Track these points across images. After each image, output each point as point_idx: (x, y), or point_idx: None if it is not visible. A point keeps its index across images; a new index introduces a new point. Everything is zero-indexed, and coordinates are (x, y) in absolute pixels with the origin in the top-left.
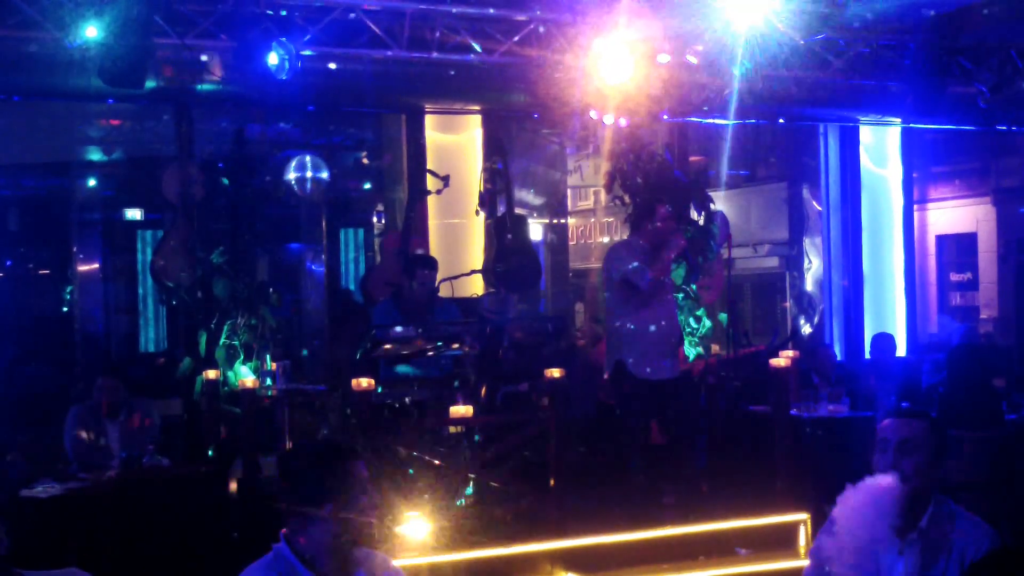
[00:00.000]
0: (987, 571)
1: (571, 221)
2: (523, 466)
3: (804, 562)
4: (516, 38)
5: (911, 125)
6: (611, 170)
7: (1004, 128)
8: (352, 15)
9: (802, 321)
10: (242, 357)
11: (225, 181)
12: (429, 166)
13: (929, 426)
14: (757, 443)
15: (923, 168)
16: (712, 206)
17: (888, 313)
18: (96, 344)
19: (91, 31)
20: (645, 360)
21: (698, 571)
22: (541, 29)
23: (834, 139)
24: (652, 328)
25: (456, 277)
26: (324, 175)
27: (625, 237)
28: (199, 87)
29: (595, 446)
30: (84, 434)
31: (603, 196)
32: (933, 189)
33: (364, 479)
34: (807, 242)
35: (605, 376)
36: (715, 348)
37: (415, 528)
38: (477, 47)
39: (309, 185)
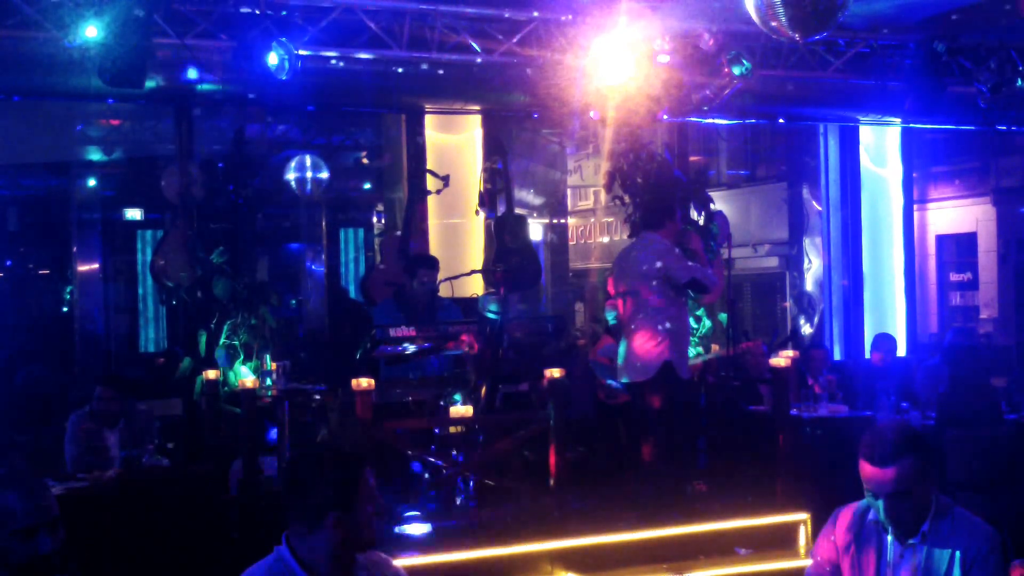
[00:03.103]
0: None
1: (571, 221)
2: (523, 466)
3: (804, 562)
4: (516, 38)
5: (911, 125)
6: (611, 170)
7: (1004, 128)
8: (352, 15)
9: (802, 321)
10: (242, 357)
11: (225, 181)
12: (429, 166)
13: (915, 462)
14: (757, 443)
15: (923, 168)
16: (712, 206)
17: (888, 313)
18: (96, 344)
19: (91, 31)
20: (684, 361)
21: (698, 571)
22: (541, 29)
23: (834, 139)
24: (687, 329)
25: (456, 277)
26: (324, 175)
27: (626, 236)
28: (199, 87)
29: (595, 446)
30: (83, 446)
31: (603, 196)
32: (933, 189)
33: (371, 488)
34: (807, 242)
35: (642, 379)
36: (715, 348)
37: (415, 528)
38: (477, 47)
39: (309, 185)
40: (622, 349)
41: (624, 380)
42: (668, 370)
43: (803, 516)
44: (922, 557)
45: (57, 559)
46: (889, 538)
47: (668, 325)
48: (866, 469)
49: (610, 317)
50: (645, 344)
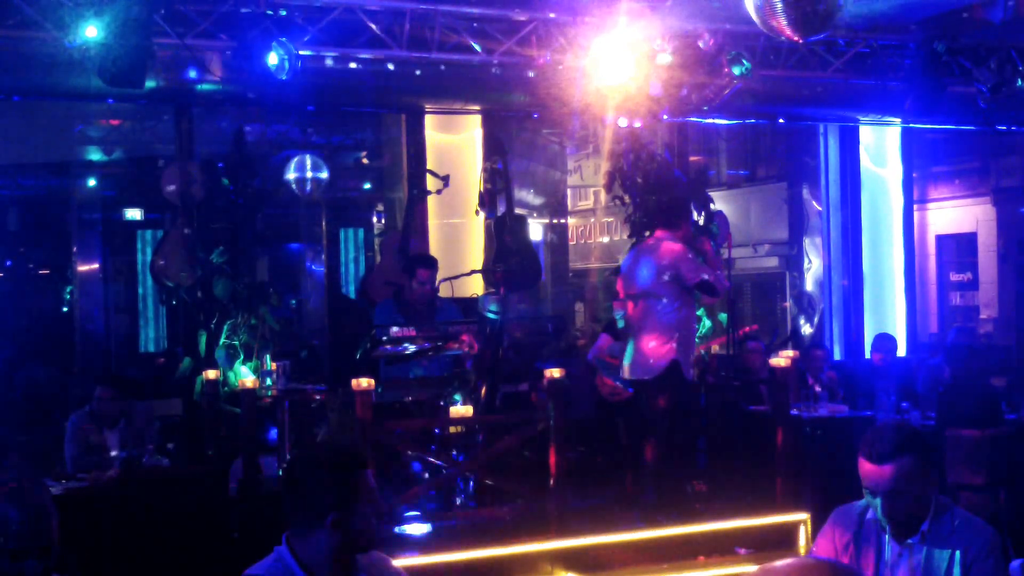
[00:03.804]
0: None
1: (571, 221)
2: (523, 466)
3: None
4: (516, 38)
5: (911, 125)
6: (611, 170)
7: (1004, 128)
8: (352, 15)
9: (802, 321)
10: (242, 357)
11: (225, 181)
12: (429, 166)
13: (914, 460)
14: (757, 443)
15: (923, 168)
16: (712, 206)
17: (888, 313)
18: (96, 344)
19: (91, 31)
20: (690, 362)
21: (698, 571)
22: (541, 29)
23: (834, 139)
24: (694, 331)
25: (456, 277)
26: (324, 175)
27: (626, 236)
28: (199, 87)
29: (595, 446)
30: (83, 446)
31: (603, 196)
32: (933, 189)
33: (372, 489)
34: (807, 242)
35: (648, 377)
36: (715, 348)
37: (415, 528)
38: (477, 47)
39: (309, 185)
40: (629, 349)
41: (629, 378)
42: (675, 369)
43: (803, 516)
44: (921, 557)
45: None
46: (887, 537)
47: (676, 326)
48: (864, 467)
49: (619, 317)
50: (653, 343)
